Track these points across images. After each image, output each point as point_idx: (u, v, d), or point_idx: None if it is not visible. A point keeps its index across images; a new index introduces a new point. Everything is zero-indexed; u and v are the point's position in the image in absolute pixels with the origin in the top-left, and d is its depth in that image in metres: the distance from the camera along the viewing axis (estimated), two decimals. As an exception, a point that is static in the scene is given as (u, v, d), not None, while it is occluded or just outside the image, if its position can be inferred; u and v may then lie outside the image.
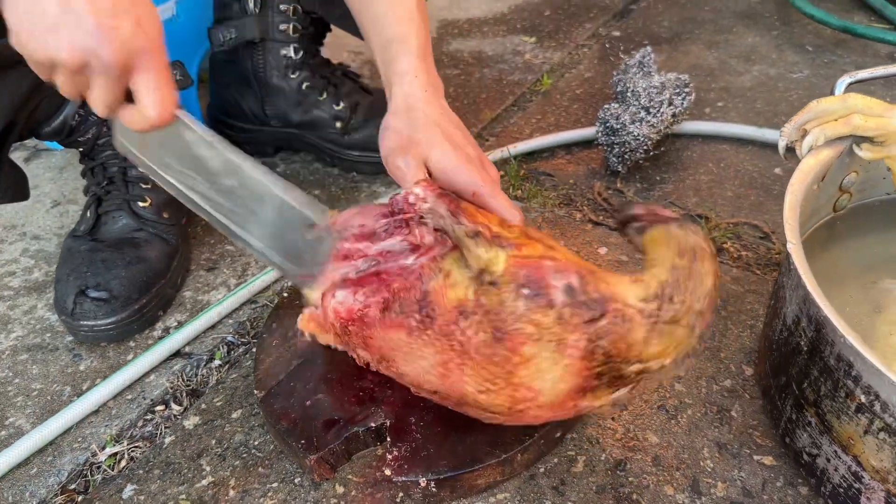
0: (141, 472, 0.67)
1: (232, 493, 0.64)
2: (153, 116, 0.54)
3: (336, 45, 1.34)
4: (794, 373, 0.59)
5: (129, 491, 0.65)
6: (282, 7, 0.98)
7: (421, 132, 0.64)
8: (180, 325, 0.82)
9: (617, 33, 1.43)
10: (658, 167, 1.03)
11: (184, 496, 0.64)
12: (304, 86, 1.02)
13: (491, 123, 1.17)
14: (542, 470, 0.64)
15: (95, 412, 0.73)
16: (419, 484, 0.60)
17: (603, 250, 0.89)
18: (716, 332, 0.76)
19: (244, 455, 0.67)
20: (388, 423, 0.64)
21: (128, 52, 0.51)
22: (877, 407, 0.51)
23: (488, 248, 0.53)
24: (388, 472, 0.61)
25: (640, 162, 1.02)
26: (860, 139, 0.67)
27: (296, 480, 0.65)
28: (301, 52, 1.01)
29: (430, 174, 0.63)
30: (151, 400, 0.74)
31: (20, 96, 0.75)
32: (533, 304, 0.51)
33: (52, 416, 0.71)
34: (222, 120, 1.09)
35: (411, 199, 0.59)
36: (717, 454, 0.64)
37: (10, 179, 0.82)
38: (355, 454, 0.65)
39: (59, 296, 0.80)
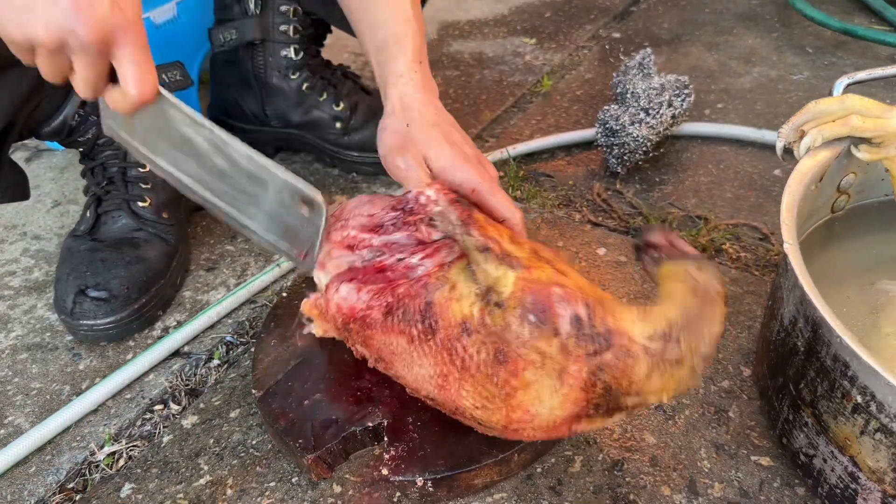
0: (139, 471, 0.67)
1: (229, 492, 0.64)
2: (134, 94, 0.53)
3: (337, 47, 1.35)
4: (791, 373, 0.59)
5: (126, 490, 0.65)
6: (282, 8, 0.98)
7: (419, 132, 0.64)
8: (179, 324, 0.82)
9: (617, 35, 1.43)
10: (657, 168, 1.03)
11: (181, 495, 0.64)
12: (304, 86, 1.02)
13: (491, 124, 1.17)
14: (539, 470, 0.64)
15: (94, 411, 0.73)
16: (416, 483, 0.60)
17: (602, 251, 0.89)
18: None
19: (242, 454, 0.67)
20: (386, 423, 0.64)
21: (104, 30, 0.50)
22: (873, 407, 0.51)
23: (497, 265, 0.53)
24: (385, 471, 0.61)
25: (640, 163, 1.03)
26: (858, 140, 0.67)
27: (293, 480, 0.65)
28: (301, 53, 1.01)
29: (430, 172, 0.63)
30: (150, 399, 0.75)
31: (20, 96, 0.75)
32: (538, 332, 0.51)
33: (51, 415, 0.71)
34: (223, 120, 1.09)
35: (422, 199, 0.59)
36: (714, 455, 0.64)
37: (10, 179, 0.82)
38: (353, 454, 0.65)
39: (59, 295, 0.80)
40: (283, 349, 0.72)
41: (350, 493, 0.62)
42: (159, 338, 0.81)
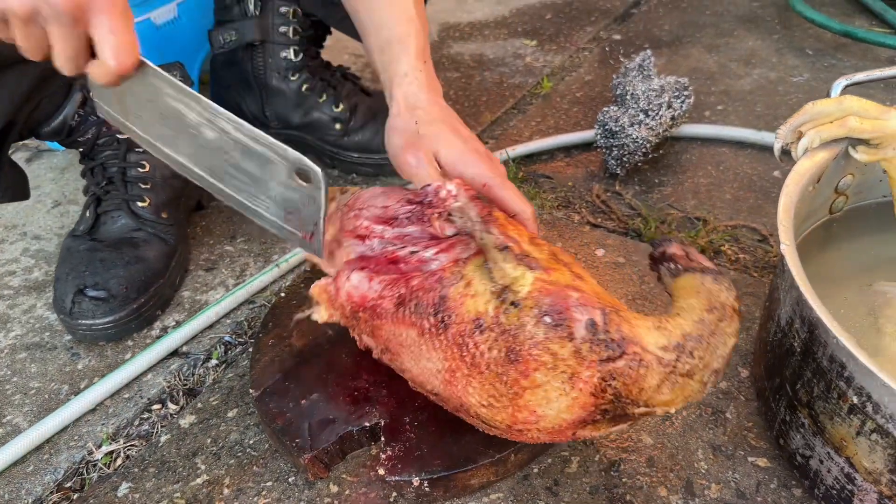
0: (136, 470, 0.67)
1: (226, 491, 0.64)
2: (112, 65, 0.51)
3: (337, 48, 1.35)
4: (788, 374, 0.59)
5: (124, 489, 0.66)
6: (282, 10, 0.98)
7: (427, 129, 0.64)
8: (178, 324, 0.83)
9: (618, 37, 1.43)
10: (657, 170, 1.03)
11: (178, 494, 0.64)
12: (303, 88, 1.02)
13: (491, 126, 1.17)
14: (535, 470, 0.64)
15: (92, 410, 0.74)
16: (412, 483, 0.60)
17: (600, 252, 0.89)
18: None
19: (239, 454, 0.68)
20: (383, 423, 0.64)
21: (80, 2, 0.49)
22: (869, 408, 0.51)
23: (516, 265, 0.52)
24: (381, 471, 0.61)
25: (639, 165, 1.03)
26: (856, 141, 0.67)
27: (290, 479, 0.65)
28: (301, 55, 1.01)
29: (441, 168, 0.64)
30: (148, 399, 0.75)
31: (20, 96, 0.75)
32: (553, 334, 0.50)
33: (49, 415, 0.71)
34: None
35: (442, 193, 0.59)
36: (711, 456, 0.64)
37: (10, 179, 0.83)
38: (349, 453, 0.65)
39: (58, 295, 0.80)
40: (280, 349, 0.72)
41: (346, 492, 0.63)
42: (158, 338, 0.81)
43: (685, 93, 1.05)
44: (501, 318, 0.52)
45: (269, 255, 0.92)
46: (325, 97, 1.03)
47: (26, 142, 1.17)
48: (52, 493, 0.66)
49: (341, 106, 1.03)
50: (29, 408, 0.75)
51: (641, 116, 1.00)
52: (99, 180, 0.88)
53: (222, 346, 0.80)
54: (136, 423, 0.73)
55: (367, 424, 0.64)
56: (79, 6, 0.49)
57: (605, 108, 1.02)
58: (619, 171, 1.01)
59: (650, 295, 0.81)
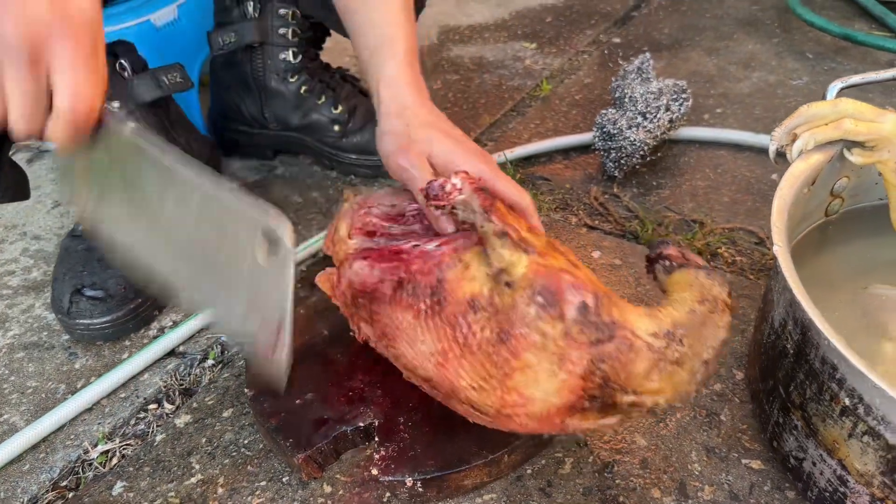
0: (131, 469, 0.67)
1: (220, 490, 0.64)
2: (66, 107, 0.44)
3: (336, 50, 1.35)
4: (781, 376, 0.59)
5: (118, 488, 0.66)
6: (281, 11, 0.99)
7: (418, 132, 0.65)
8: (175, 324, 0.83)
9: (617, 40, 1.44)
10: (655, 172, 1.03)
11: (172, 493, 0.65)
12: (302, 89, 1.02)
13: (490, 128, 1.18)
14: (529, 471, 0.64)
15: (89, 410, 0.74)
16: (406, 484, 0.61)
17: (597, 254, 0.89)
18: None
19: (234, 453, 0.68)
20: (377, 423, 0.64)
21: (36, 28, 0.42)
22: (860, 410, 0.51)
23: (513, 250, 0.53)
24: (375, 471, 0.61)
25: (637, 167, 1.03)
26: (851, 144, 0.67)
27: (284, 479, 0.65)
28: (300, 57, 1.01)
29: (434, 169, 0.64)
30: (144, 398, 0.75)
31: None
32: (544, 313, 0.51)
33: (46, 414, 0.72)
34: (222, 123, 1.10)
35: (448, 187, 0.59)
36: (704, 458, 0.64)
37: (10, 179, 0.83)
38: (344, 453, 0.65)
39: (56, 294, 0.81)
40: (276, 349, 0.72)
41: (340, 492, 0.63)
42: (155, 337, 0.81)
43: (683, 96, 1.05)
44: (495, 299, 0.53)
45: (266, 256, 0.92)
46: (323, 99, 1.03)
47: (27, 142, 1.18)
48: (47, 491, 0.67)
49: (340, 107, 1.03)
50: (26, 407, 0.75)
51: (639, 119, 1.00)
52: (98, 181, 0.89)
53: (219, 347, 0.81)
54: (132, 422, 0.73)
55: (362, 424, 0.64)
56: (36, 41, 0.43)
57: (603, 111, 1.02)
58: (616, 174, 1.01)
59: (646, 297, 0.81)
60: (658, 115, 1.00)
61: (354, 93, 1.06)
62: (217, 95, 1.09)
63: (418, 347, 0.57)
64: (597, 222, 0.95)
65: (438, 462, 0.61)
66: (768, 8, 1.50)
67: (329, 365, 0.70)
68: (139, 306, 0.82)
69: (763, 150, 1.06)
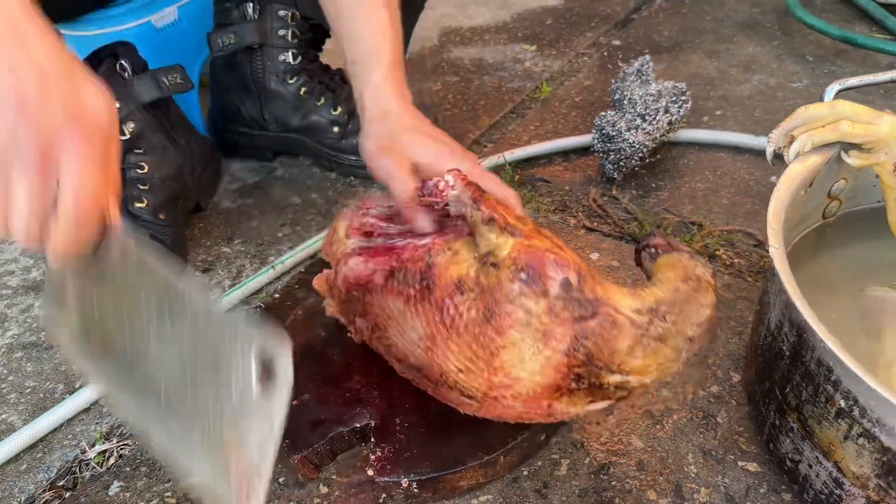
0: (128, 469, 0.67)
1: (217, 491, 0.64)
2: (69, 203, 0.43)
3: (336, 52, 1.34)
4: (778, 378, 0.59)
5: (115, 488, 0.66)
6: (280, 13, 0.99)
7: (400, 134, 0.66)
8: (173, 325, 0.83)
9: (617, 42, 1.44)
10: (654, 175, 1.03)
11: (169, 493, 0.65)
12: (302, 91, 1.03)
13: (489, 130, 1.18)
14: (525, 473, 0.64)
15: (87, 410, 0.74)
16: (401, 484, 0.61)
17: (595, 255, 0.89)
18: (705, 339, 0.76)
19: (230, 454, 0.68)
20: (373, 424, 0.64)
21: (49, 132, 0.42)
22: (856, 412, 0.51)
23: (499, 233, 0.54)
24: (370, 472, 0.61)
25: (636, 169, 1.03)
26: (848, 146, 0.67)
27: (280, 480, 0.65)
28: (299, 58, 1.02)
29: (415, 170, 0.65)
30: (142, 398, 0.75)
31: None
32: (527, 290, 0.52)
33: (44, 413, 0.72)
34: (222, 124, 1.10)
35: (441, 185, 0.61)
36: (701, 460, 0.64)
37: None
38: (340, 454, 0.65)
39: (55, 295, 0.81)
40: (273, 350, 0.73)
41: (336, 493, 0.63)
42: (153, 338, 0.81)
43: (683, 98, 1.05)
44: (481, 279, 0.54)
45: (265, 257, 0.93)
46: (323, 100, 1.03)
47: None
48: (44, 491, 0.67)
49: (339, 109, 1.03)
50: (24, 406, 0.75)
51: (638, 121, 1.00)
52: (97, 181, 0.89)
53: (217, 347, 0.81)
54: (130, 422, 0.73)
55: (358, 426, 0.64)
56: (49, 141, 0.42)
57: (603, 113, 1.02)
58: (616, 176, 1.01)
59: (644, 299, 0.81)
60: (657, 118, 1.00)
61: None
62: (217, 97, 1.10)
63: (408, 334, 0.58)
64: (595, 224, 0.95)
65: (434, 463, 0.61)
66: (769, 11, 1.50)
67: (326, 366, 0.70)
68: (137, 307, 0.82)
69: (762, 153, 1.05)
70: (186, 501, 0.64)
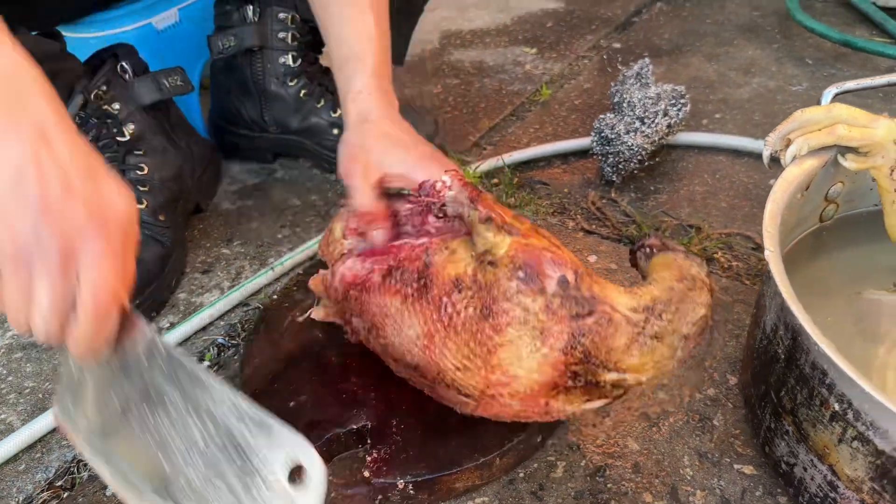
0: (126, 469, 0.68)
1: (213, 491, 0.65)
2: (88, 297, 0.44)
3: (338, 54, 1.36)
4: (773, 381, 0.59)
5: (113, 488, 0.66)
6: (280, 16, 0.99)
7: (373, 142, 0.66)
8: (172, 326, 0.83)
9: (618, 45, 1.44)
10: (653, 177, 1.03)
11: (166, 494, 0.65)
12: (301, 93, 1.03)
13: (489, 132, 1.18)
14: (521, 475, 0.64)
15: (85, 410, 0.74)
16: (397, 486, 0.61)
17: (593, 258, 0.89)
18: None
19: (228, 455, 0.68)
20: (369, 426, 0.64)
21: (71, 231, 0.43)
22: (850, 415, 0.51)
23: (496, 232, 0.54)
24: (367, 473, 0.61)
25: (635, 172, 1.03)
26: (845, 149, 0.67)
27: (277, 480, 0.65)
28: (299, 60, 1.02)
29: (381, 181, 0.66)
30: (140, 399, 0.75)
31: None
32: (525, 287, 0.52)
33: (43, 414, 0.72)
34: (223, 126, 1.10)
35: (438, 185, 0.61)
36: (697, 462, 0.64)
37: None
38: (336, 456, 0.65)
39: (54, 296, 0.81)
40: (271, 352, 0.73)
41: (332, 495, 0.63)
42: (152, 339, 0.81)
43: (682, 101, 1.05)
44: (479, 277, 0.54)
45: (264, 259, 0.93)
46: (323, 102, 1.03)
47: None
48: (42, 491, 0.67)
49: (339, 111, 1.03)
50: (23, 407, 0.75)
51: (637, 124, 1.00)
52: (97, 183, 0.89)
53: (215, 348, 0.81)
54: (128, 423, 0.73)
55: (355, 427, 0.64)
56: (70, 239, 0.43)
57: (602, 116, 1.02)
58: (614, 178, 1.01)
59: (641, 301, 0.81)
60: (656, 121, 1.01)
61: (354, 97, 1.07)
62: (217, 99, 1.10)
63: (405, 333, 0.58)
64: (594, 227, 0.95)
65: (430, 465, 0.61)
66: (769, 14, 1.50)
67: (323, 368, 0.70)
68: (137, 307, 0.82)
69: (761, 156, 1.05)
70: (183, 502, 0.64)
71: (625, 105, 1.03)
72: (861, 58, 1.29)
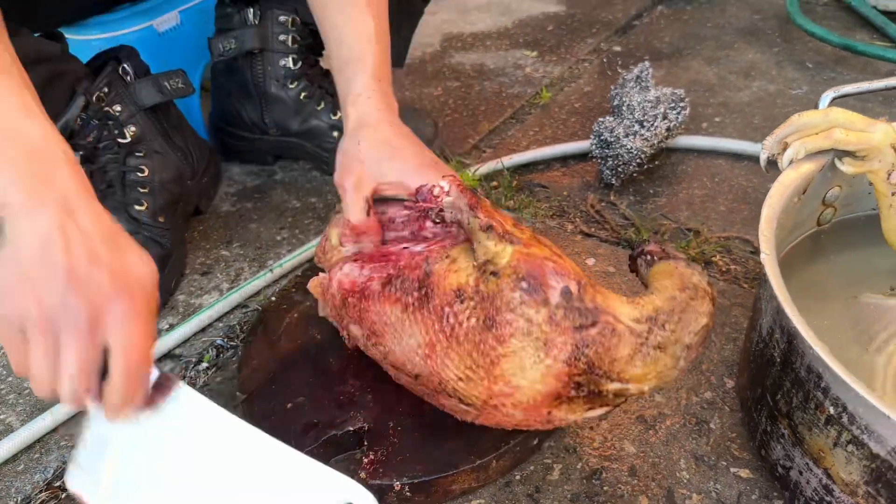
0: (124, 470, 0.68)
1: (211, 492, 0.65)
2: (120, 358, 0.46)
3: (339, 57, 1.36)
4: (769, 384, 0.59)
5: (110, 488, 0.66)
6: (281, 18, 1.00)
7: (369, 151, 0.66)
8: (171, 327, 0.84)
9: (618, 48, 1.44)
10: (652, 180, 1.03)
11: (163, 495, 0.65)
12: (302, 96, 1.03)
13: (489, 135, 1.18)
14: (517, 477, 0.64)
15: (84, 410, 0.74)
16: (394, 488, 0.61)
17: (591, 261, 0.89)
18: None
19: (225, 456, 0.68)
20: (366, 428, 0.64)
21: (98, 297, 0.45)
22: (844, 419, 0.51)
23: (497, 241, 0.54)
24: (363, 475, 0.61)
25: (634, 175, 1.03)
26: (842, 153, 0.67)
27: (274, 482, 0.65)
28: (300, 63, 1.02)
29: (376, 193, 0.66)
30: (139, 400, 0.75)
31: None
32: (528, 298, 0.52)
33: (42, 414, 0.72)
34: (223, 128, 1.11)
35: (436, 191, 0.62)
36: (693, 466, 0.64)
37: None
38: (334, 457, 0.65)
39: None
40: (269, 353, 0.73)
41: (329, 496, 0.63)
42: (151, 340, 0.82)
43: (681, 104, 1.05)
44: (481, 287, 0.54)
45: (263, 260, 0.93)
46: (323, 105, 1.04)
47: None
48: (41, 491, 0.67)
49: (339, 114, 1.04)
50: (22, 407, 0.76)
51: (636, 127, 1.00)
52: (98, 183, 0.90)
53: (214, 350, 0.81)
54: (126, 423, 0.74)
55: (352, 429, 0.64)
56: (97, 305, 0.45)
57: (601, 119, 1.02)
58: (614, 182, 1.02)
59: (639, 304, 0.81)
60: (655, 124, 1.01)
61: (354, 99, 1.07)
62: (218, 101, 1.10)
63: (406, 342, 0.58)
64: (593, 230, 0.95)
65: (427, 467, 0.61)
66: (769, 18, 1.50)
67: (321, 369, 0.70)
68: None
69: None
70: (181, 503, 0.64)
71: (624, 108, 1.03)
72: (861, 62, 1.29)
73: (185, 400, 0.51)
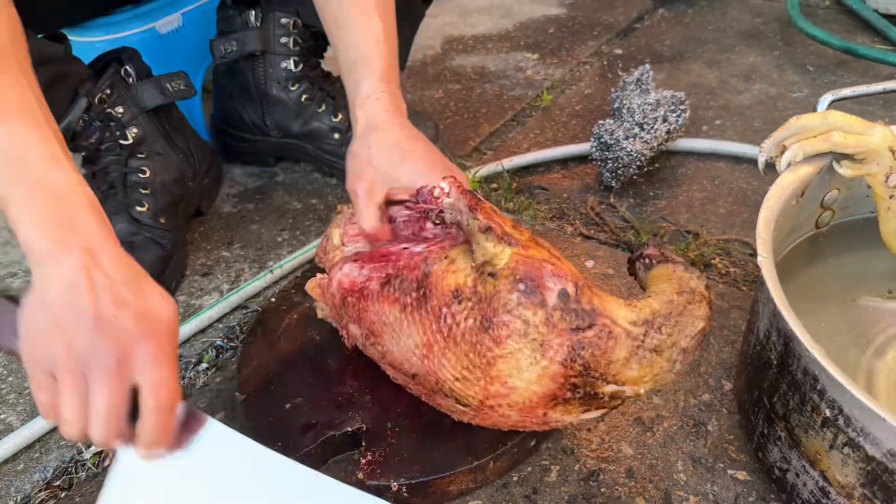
0: (123, 470, 0.68)
1: (209, 492, 0.65)
2: (151, 395, 0.48)
3: (341, 59, 1.37)
4: (766, 386, 0.59)
5: (109, 488, 0.67)
6: (283, 21, 1.00)
7: (380, 156, 0.66)
8: (171, 328, 0.84)
9: (619, 51, 1.44)
10: (652, 183, 1.04)
11: (162, 494, 0.65)
12: (303, 97, 1.04)
13: (489, 137, 1.19)
14: (515, 478, 0.64)
15: (84, 411, 0.75)
16: (391, 488, 0.61)
17: (590, 263, 0.89)
18: (698, 347, 0.76)
19: (224, 456, 0.68)
20: (364, 428, 0.65)
21: (125, 339, 0.47)
22: (840, 421, 0.51)
23: (496, 243, 0.54)
24: (360, 476, 0.62)
25: (634, 177, 1.03)
26: (840, 156, 0.67)
27: (272, 482, 0.65)
28: (301, 65, 1.03)
29: (389, 197, 0.66)
30: (139, 400, 0.76)
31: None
32: (525, 300, 0.52)
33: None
34: (225, 130, 1.11)
35: (436, 192, 0.62)
36: (691, 468, 0.64)
37: None
38: (331, 458, 0.65)
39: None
40: (269, 354, 0.73)
41: (327, 496, 0.63)
42: (151, 340, 0.82)
43: (681, 107, 1.05)
44: (479, 288, 0.54)
45: (263, 261, 0.94)
46: (324, 107, 1.04)
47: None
48: (40, 490, 0.68)
49: (340, 116, 1.04)
50: (22, 407, 0.76)
51: (636, 130, 1.00)
52: (100, 185, 0.90)
53: (213, 350, 0.82)
54: (126, 423, 0.74)
55: (350, 429, 0.65)
56: (125, 347, 0.47)
57: (601, 122, 1.02)
58: (613, 184, 1.02)
59: (638, 307, 0.81)
60: (655, 126, 1.01)
61: (354, 101, 1.07)
62: (219, 103, 1.11)
63: (404, 342, 0.58)
64: (592, 232, 0.95)
65: (424, 468, 0.61)
66: (771, 21, 1.50)
67: (319, 370, 0.71)
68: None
69: (760, 162, 1.06)
70: (179, 502, 0.64)
71: (624, 111, 1.04)
72: (862, 65, 1.29)
73: (216, 436, 0.52)
